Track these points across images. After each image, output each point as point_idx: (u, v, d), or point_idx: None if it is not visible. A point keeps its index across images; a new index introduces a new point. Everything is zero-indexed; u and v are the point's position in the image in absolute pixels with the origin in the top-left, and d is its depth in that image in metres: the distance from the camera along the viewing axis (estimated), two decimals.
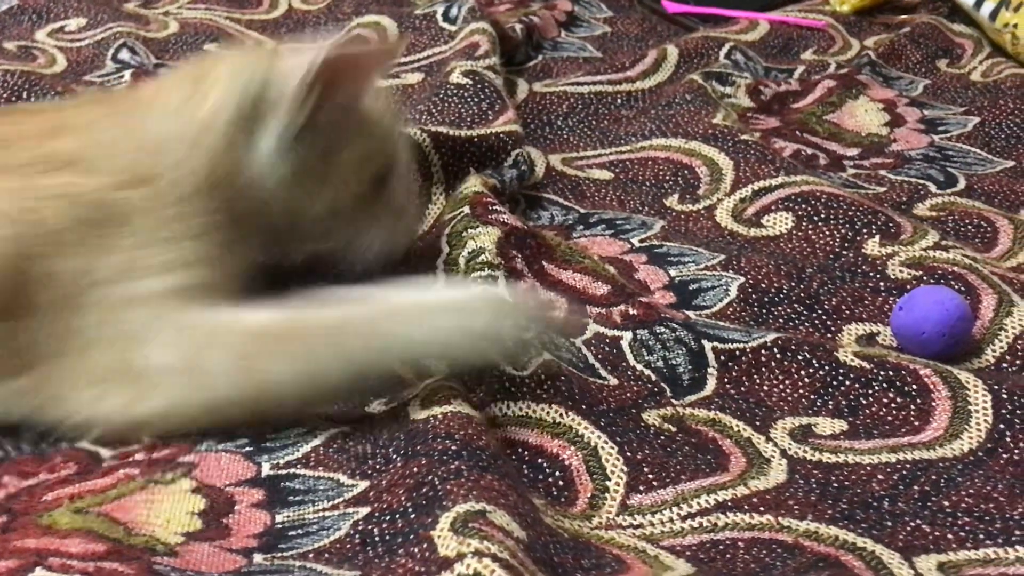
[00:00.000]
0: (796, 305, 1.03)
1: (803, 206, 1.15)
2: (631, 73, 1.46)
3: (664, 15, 1.74)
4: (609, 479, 0.83)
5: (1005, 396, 0.88)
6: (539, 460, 0.83)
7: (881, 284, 1.04)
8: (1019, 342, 0.97)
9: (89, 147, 0.89)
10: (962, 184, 1.25)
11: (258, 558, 0.72)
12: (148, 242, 0.85)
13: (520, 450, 0.84)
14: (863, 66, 1.51)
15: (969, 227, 1.15)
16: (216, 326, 0.84)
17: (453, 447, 0.77)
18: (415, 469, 0.76)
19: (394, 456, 0.80)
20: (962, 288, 1.02)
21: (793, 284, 1.04)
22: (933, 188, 1.24)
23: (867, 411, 0.89)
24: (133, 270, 0.84)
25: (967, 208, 1.19)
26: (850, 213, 1.12)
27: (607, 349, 0.96)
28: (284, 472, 0.80)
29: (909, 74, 1.55)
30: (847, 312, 1.02)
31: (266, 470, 0.80)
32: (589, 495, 0.81)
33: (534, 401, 0.87)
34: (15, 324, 0.81)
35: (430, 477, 0.75)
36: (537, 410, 0.87)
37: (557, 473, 0.83)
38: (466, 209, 1.06)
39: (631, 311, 0.99)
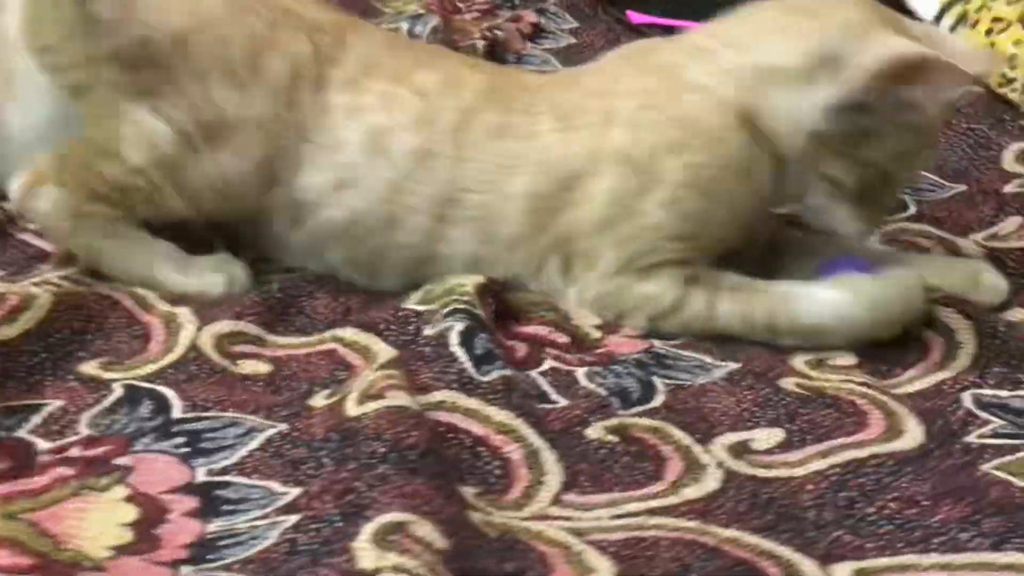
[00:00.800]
0: None
1: None
2: None
3: (629, 25, 1.76)
4: (545, 475, 0.85)
5: (936, 431, 0.92)
6: (480, 449, 0.87)
7: None
8: (960, 375, 1.00)
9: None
10: (912, 210, 1.27)
11: (186, 570, 0.73)
12: None
13: (462, 437, 0.87)
14: None
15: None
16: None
17: (382, 449, 0.80)
18: (344, 475, 0.80)
19: (326, 461, 0.83)
20: (917, 336, 1.04)
21: None
22: None
23: (804, 419, 0.94)
24: None
25: (916, 235, 1.21)
26: None
27: (562, 378, 0.99)
28: (219, 479, 0.82)
29: None
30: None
31: (201, 475, 0.83)
32: (525, 485, 0.84)
33: (486, 402, 0.91)
34: None
35: (357, 483, 0.78)
36: (488, 410, 0.90)
37: (496, 463, 0.86)
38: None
39: (587, 358, 1.03)
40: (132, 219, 1.06)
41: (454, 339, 0.96)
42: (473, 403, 0.90)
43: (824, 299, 1.03)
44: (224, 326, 1.01)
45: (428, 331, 1.00)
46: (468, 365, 0.93)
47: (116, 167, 1.03)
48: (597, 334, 1.07)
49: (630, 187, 1.04)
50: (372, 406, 0.84)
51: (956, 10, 1.58)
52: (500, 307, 1.07)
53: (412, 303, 1.04)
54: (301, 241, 1.09)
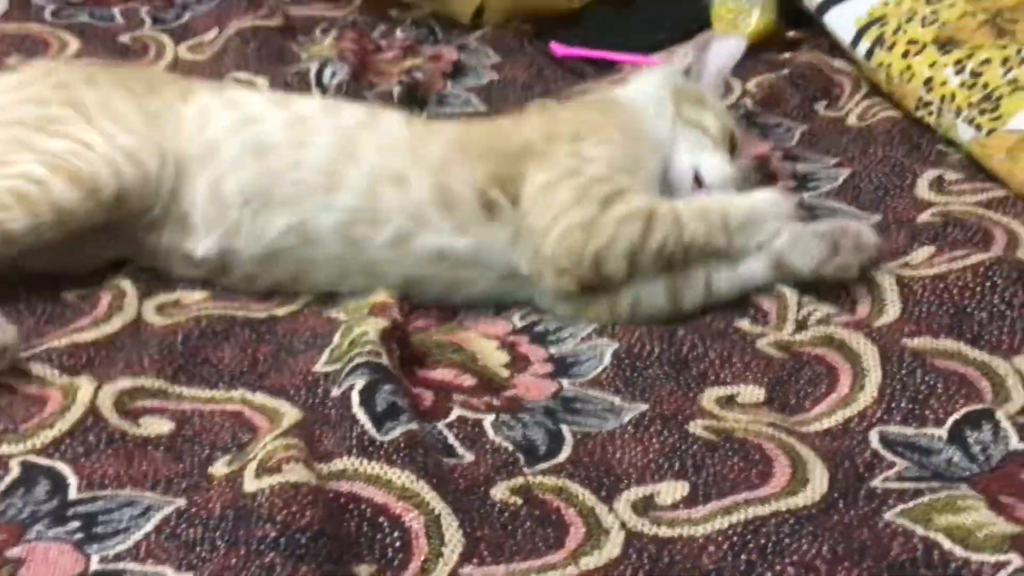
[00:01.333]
0: (666, 367, 1.07)
1: None
2: None
3: (552, 58, 1.75)
4: (445, 546, 0.84)
5: (841, 476, 0.92)
6: (380, 519, 0.86)
7: (748, 350, 1.08)
8: (868, 410, 1.01)
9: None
10: None
11: None
12: None
13: (363, 507, 0.86)
14: (740, 118, 1.52)
15: (831, 294, 1.17)
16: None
17: (272, 533, 0.79)
18: (234, 560, 0.79)
19: (219, 543, 0.82)
20: (823, 369, 1.06)
21: (665, 346, 1.08)
22: None
23: (710, 470, 0.94)
24: None
25: None
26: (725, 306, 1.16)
27: (469, 429, 0.99)
28: (112, 567, 0.81)
29: (787, 119, 1.57)
30: (712, 376, 1.06)
31: (95, 564, 0.81)
32: (422, 559, 0.83)
33: (388, 464, 0.90)
34: None
35: (243, 573, 0.76)
36: (389, 473, 0.89)
37: (396, 534, 0.85)
38: (365, 310, 1.10)
39: (495, 402, 1.03)
40: None
41: (355, 399, 0.95)
42: (375, 467, 0.89)
43: (763, 195, 1.19)
44: (124, 383, 0.99)
45: (334, 392, 0.99)
46: (369, 426, 0.92)
47: None
48: (505, 373, 1.06)
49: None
50: (268, 481, 0.83)
51: (873, 32, 1.59)
52: (405, 352, 1.06)
53: (321, 364, 1.03)
54: None
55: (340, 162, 1.16)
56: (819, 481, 0.91)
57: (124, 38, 1.74)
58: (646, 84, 1.32)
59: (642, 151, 1.22)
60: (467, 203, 1.15)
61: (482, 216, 1.15)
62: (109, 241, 1.17)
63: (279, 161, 1.16)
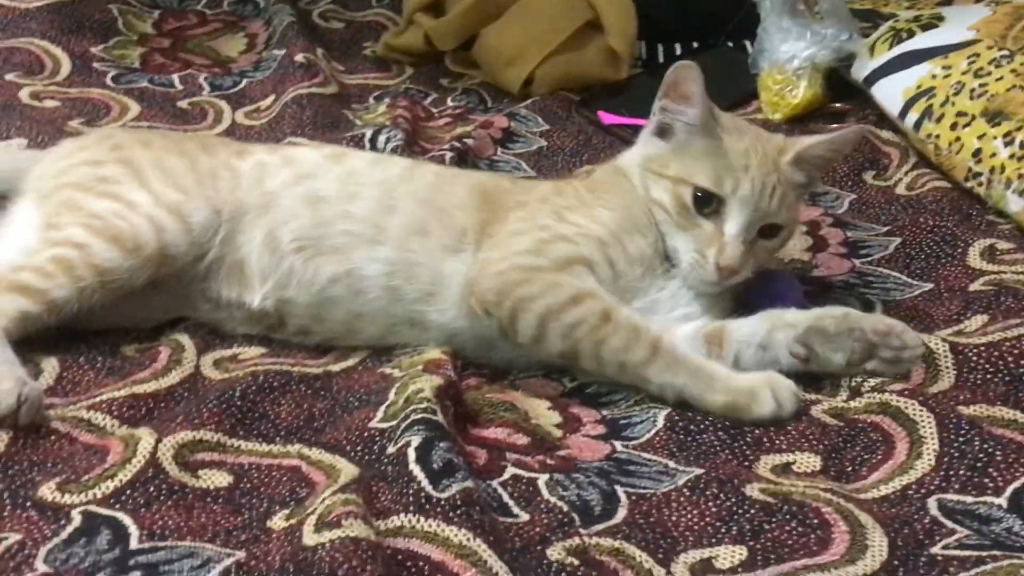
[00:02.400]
0: (720, 433, 1.06)
1: None
2: None
3: (600, 126, 1.78)
4: None
5: (901, 543, 0.91)
6: None
7: (803, 418, 1.08)
8: (926, 478, 0.99)
9: None
10: (878, 310, 1.27)
11: None
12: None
13: (421, 564, 0.86)
14: None
15: None
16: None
17: None
18: None
19: None
20: (880, 437, 1.05)
21: None
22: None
23: (768, 536, 0.93)
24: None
25: None
26: None
27: (523, 488, 0.99)
28: None
29: (836, 188, 1.58)
30: (767, 442, 1.05)
31: None
32: None
33: (445, 522, 0.89)
34: None
35: None
36: (446, 530, 0.89)
37: None
38: (420, 367, 1.11)
39: (548, 460, 1.03)
40: None
41: (411, 456, 0.95)
42: (431, 525, 0.89)
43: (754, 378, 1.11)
44: (184, 435, 1.00)
45: (390, 448, 0.99)
46: (426, 483, 0.92)
47: None
48: (558, 433, 1.07)
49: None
50: (328, 535, 0.84)
51: (921, 104, 1.61)
52: (459, 410, 1.06)
53: (377, 420, 1.04)
54: None
55: (381, 214, 1.19)
56: (879, 548, 0.90)
57: (183, 103, 1.79)
58: (631, 153, 1.28)
59: (637, 225, 1.20)
60: (453, 244, 1.18)
61: (452, 252, 1.18)
62: (167, 296, 1.20)
63: (330, 211, 1.19)
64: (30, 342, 1.14)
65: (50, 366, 1.12)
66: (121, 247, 1.13)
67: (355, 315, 1.18)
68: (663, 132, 1.22)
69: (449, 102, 1.89)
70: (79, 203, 1.18)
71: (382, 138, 1.60)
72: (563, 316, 1.11)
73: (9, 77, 1.76)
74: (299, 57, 1.87)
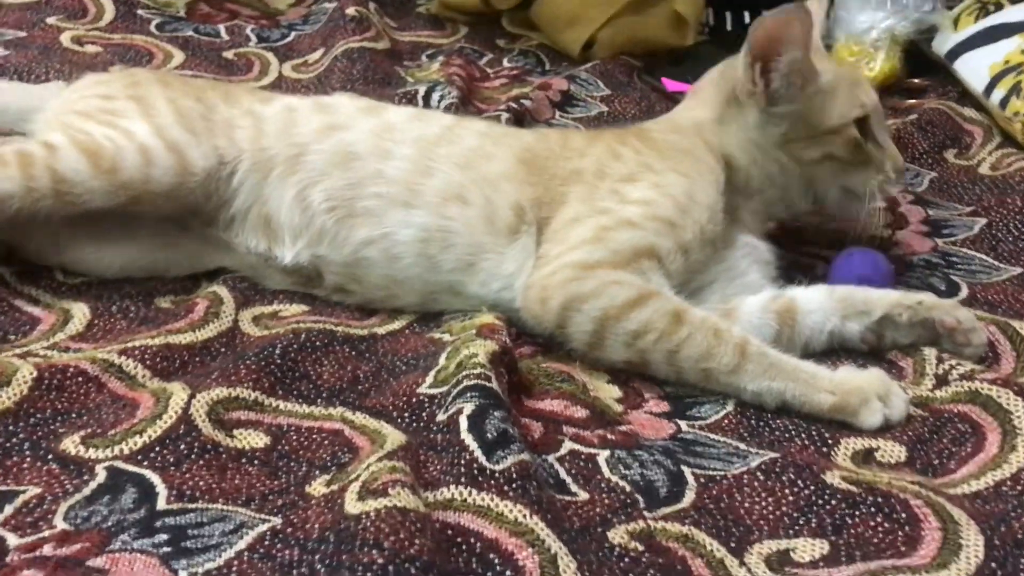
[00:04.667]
0: (795, 418, 0.99)
1: None
2: None
3: (664, 93, 1.69)
4: None
5: (998, 541, 0.83)
6: (491, 555, 0.77)
7: None
8: (1023, 473, 0.91)
9: None
10: (964, 293, 1.19)
11: None
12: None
13: (473, 540, 0.78)
14: None
15: None
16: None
17: (380, 560, 0.72)
18: None
19: (319, 567, 0.75)
20: (969, 428, 0.97)
21: None
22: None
23: (851, 531, 0.85)
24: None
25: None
26: (856, 362, 1.07)
27: (582, 464, 0.91)
28: None
29: (915, 165, 1.49)
30: (847, 430, 0.97)
31: None
32: None
33: (499, 496, 0.82)
34: None
35: None
36: (500, 505, 0.81)
37: (508, 573, 0.76)
38: (473, 332, 1.03)
39: (609, 436, 0.95)
40: None
41: (464, 424, 0.88)
42: (485, 498, 0.81)
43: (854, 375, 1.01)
44: (219, 392, 0.93)
45: (440, 416, 0.92)
46: (479, 454, 0.85)
47: None
48: (618, 408, 0.99)
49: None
50: (373, 504, 0.76)
51: (1008, 81, 1.51)
52: (512, 379, 0.99)
53: (426, 386, 0.97)
54: None
55: (417, 175, 1.10)
56: (974, 547, 0.82)
57: (228, 54, 1.72)
58: (721, 130, 1.17)
59: (712, 196, 1.10)
60: (502, 220, 1.09)
61: (506, 233, 1.08)
62: (195, 241, 1.14)
63: (363, 170, 1.11)
64: (61, 288, 1.08)
65: (80, 312, 1.06)
66: (93, 163, 1.05)
67: (392, 280, 1.10)
68: (774, 100, 1.14)
69: (505, 63, 1.81)
70: (75, 123, 1.11)
71: (436, 95, 1.52)
72: (624, 321, 1.00)
73: (51, 20, 1.70)
74: (350, 10, 1.80)
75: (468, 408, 0.89)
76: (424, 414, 0.94)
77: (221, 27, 1.80)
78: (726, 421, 0.98)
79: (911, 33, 1.68)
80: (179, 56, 1.67)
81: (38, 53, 1.58)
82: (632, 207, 1.06)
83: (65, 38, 1.65)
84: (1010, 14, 1.61)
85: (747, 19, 1.91)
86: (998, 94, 1.52)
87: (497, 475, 0.83)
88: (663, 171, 1.10)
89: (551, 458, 0.91)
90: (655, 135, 1.17)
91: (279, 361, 0.99)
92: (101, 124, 1.10)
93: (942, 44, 1.66)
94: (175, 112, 1.12)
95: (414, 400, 0.95)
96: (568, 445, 0.93)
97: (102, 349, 0.98)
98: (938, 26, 1.68)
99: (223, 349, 1.03)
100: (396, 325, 1.10)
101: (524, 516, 0.80)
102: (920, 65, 1.71)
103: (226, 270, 1.15)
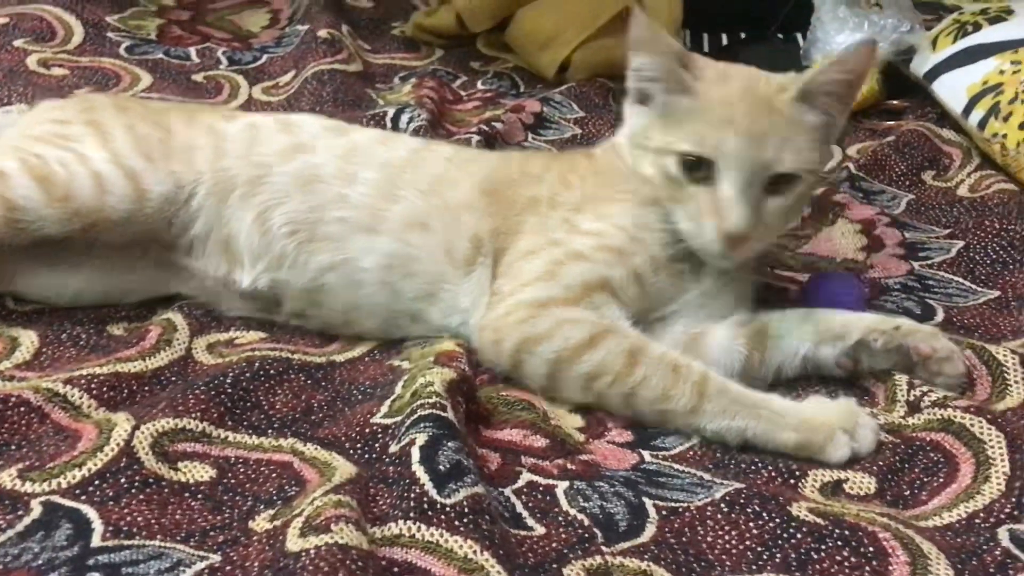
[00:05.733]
0: (762, 453, 0.95)
1: None
2: None
3: None
4: None
5: (972, 562, 0.80)
6: None
7: None
8: (995, 505, 0.88)
9: None
10: (940, 317, 1.16)
11: None
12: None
13: None
14: (842, 181, 1.42)
15: None
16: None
17: None
18: None
19: None
20: (941, 457, 0.94)
21: None
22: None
23: (817, 566, 0.82)
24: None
25: None
26: (827, 385, 1.05)
27: (539, 497, 0.88)
28: None
29: (892, 187, 1.46)
30: (816, 462, 0.94)
31: None
32: None
33: (449, 531, 0.79)
34: None
35: None
36: (450, 541, 0.78)
37: None
38: (431, 359, 1.00)
39: (569, 466, 0.92)
40: None
41: (415, 455, 0.85)
42: (434, 534, 0.78)
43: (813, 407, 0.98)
44: (165, 423, 0.90)
45: (393, 447, 0.89)
46: (430, 487, 0.82)
47: None
48: (580, 437, 0.96)
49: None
50: (314, 541, 0.73)
51: (987, 102, 1.49)
52: (471, 408, 0.96)
53: (380, 416, 0.94)
54: None
55: (382, 200, 1.07)
56: None
57: (198, 77, 1.69)
58: (623, 128, 1.11)
59: (650, 214, 1.05)
60: (460, 252, 1.06)
61: (462, 265, 1.06)
62: (153, 267, 1.10)
63: (326, 193, 1.08)
64: (11, 315, 1.05)
65: (28, 340, 1.03)
66: (45, 191, 1.03)
67: (352, 306, 1.08)
68: (643, 99, 1.07)
69: (479, 85, 1.78)
70: (28, 148, 1.08)
71: (404, 117, 1.50)
72: (578, 363, 0.97)
73: (17, 43, 1.67)
74: (323, 32, 1.78)
75: (421, 439, 0.86)
76: (377, 445, 0.91)
77: (192, 50, 1.78)
78: (691, 452, 0.95)
79: (889, 54, 1.66)
80: (147, 79, 1.65)
81: (2, 76, 1.55)
82: (582, 238, 1.04)
83: (31, 60, 1.63)
84: (988, 35, 1.59)
85: (724, 41, 1.90)
86: (976, 115, 1.50)
87: (448, 509, 0.80)
88: (609, 199, 1.07)
89: (508, 490, 0.88)
90: (600, 160, 1.13)
91: (230, 391, 0.96)
92: (55, 148, 1.07)
93: (920, 65, 1.64)
94: (131, 138, 1.09)
95: (367, 431, 0.92)
96: (526, 476, 0.90)
97: (47, 378, 0.95)
98: (916, 47, 1.66)
99: (174, 378, 1.00)
100: (356, 352, 1.07)
101: (475, 552, 0.77)
102: (898, 86, 1.69)
103: (183, 296, 1.12)
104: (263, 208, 1.07)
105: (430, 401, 0.91)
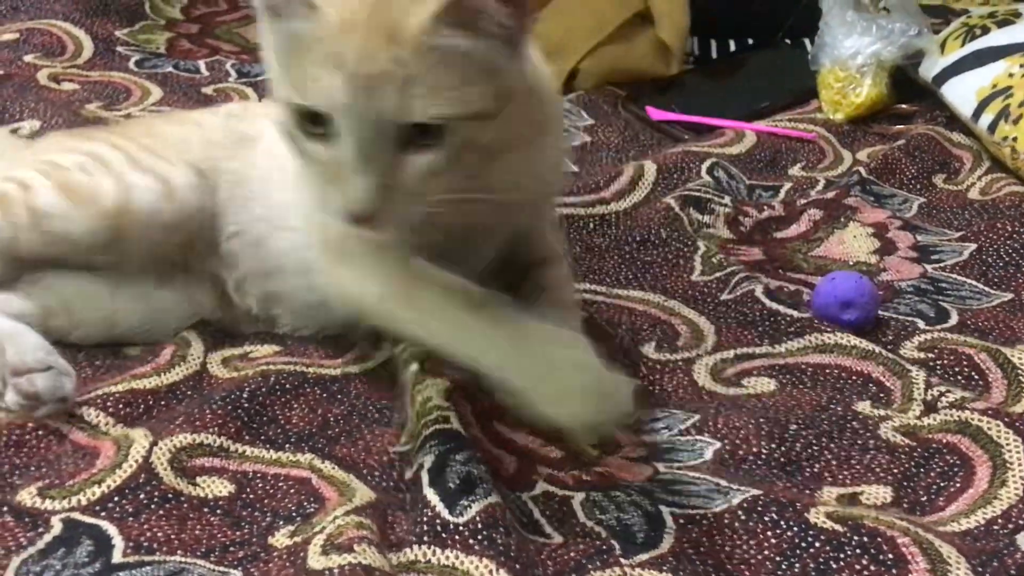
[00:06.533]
0: (775, 469, 0.95)
1: (787, 375, 1.07)
2: (605, 194, 1.37)
3: (648, 122, 1.67)
4: None
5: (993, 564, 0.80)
6: None
7: (871, 442, 0.96)
8: (1014, 510, 0.88)
9: None
10: (954, 319, 1.16)
11: None
12: None
13: None
14: (853, 185, 1.42)
15: (959, 375, 1.06)
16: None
17: None
18: None
19: None
20: (957, 460, 0.94)
21: (775, 446, 0.97)
22: (922, 324, 1.14)
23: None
24: None
25: (956, 346, 1.09)
26: (839, 383, 1.05)
27: (556, 507, 0.88)
28: None
29: (903, 191, 1.46)
30: (829, 477, 0.94)
31: None
32: None
33: (464, 551, 0.79)
34: None
35: None
36: (466, 562, 0.78)
37: None
38: (414, 367, 0.99)
39: (584, 477, 0.92)
40: None
41: (425, 479, 0.85)
42: (449, 556, 0.78)
43: None
44: (183, 438, 0.90)
45: (407, 473, 0.89)
46: (441, 508, 0.82)
47: None
48: (593, 452, 0.96)
49: None
50: (337, 560, 0.74)
51: (996, 105, 1.48)
52: (477, 406, 0.96)
53: (400, 445, 0.94)
54: None
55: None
56: None
57: (207, 89, 1.69)
58: None
59: None
60: None
61: None
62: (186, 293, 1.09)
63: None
64: None
65: None
66: (69, 197, 1.01)
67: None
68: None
69: None
70: (45, 159, 1.07)
71: None
72: None
73: (28, 58, 1.68)
74: None
75: (428, 461, 0.86)
76: (394, 473, 0.91)
77: (201, 63, 1.78)
78: (705, 465, 0.95)
79: (898, 58, 1.65)
80: (156, 92, 1.65)
81: (13, 91, 1.56)
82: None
83: (42, 75, 1.63)
84: (997, 38, 1.59)
85: (732, 47, 1.90)
86: (986, 119, 1.50)
87: (461, 528, 0.80)
88: None
89: (524, 496, 0.88)
90: None
91: (247, 405, 0.96)
92: (74, 155, 1.06)
93: (929, 69, 1.64)
94: (145, 147, 1.09)
95: (385, 459, 0.93)
96: (542, 486, 0.90)
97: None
98: (925, 51, 1.65)
99: (190, 392, 1.00)
100: (370, 364, 1.07)
101: (491, 571, 0.77)
102: (907, 90, 1.69)
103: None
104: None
105: (431, 418, 0.91)
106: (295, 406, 0.98)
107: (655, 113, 1.67)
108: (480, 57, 0.79)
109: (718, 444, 0.97)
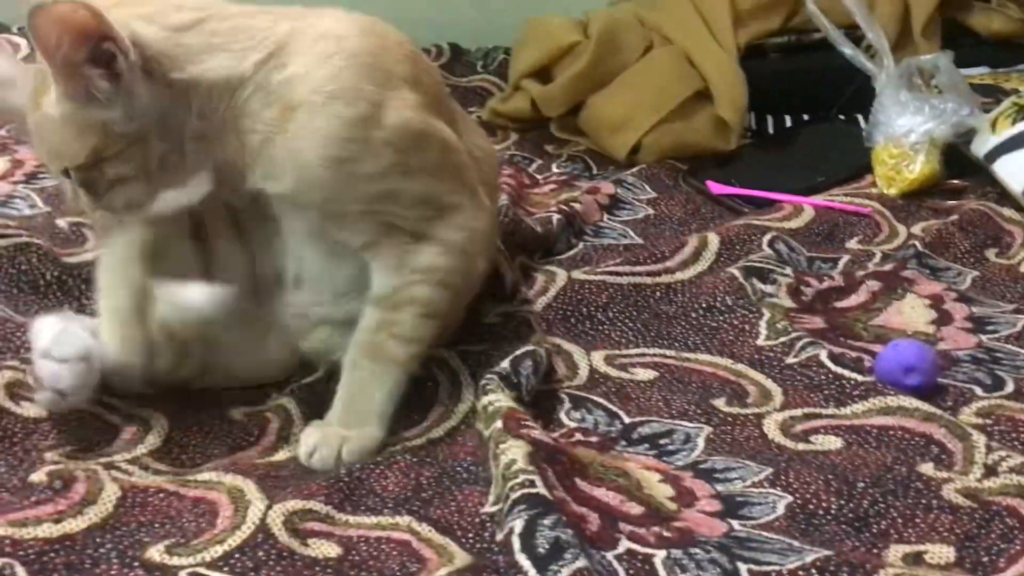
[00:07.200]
0: (844, 525, 1.00)
1: (853, 435, 1.12)
2: (670, 264, 1.45)
3: (709, 196, 1.75)
4: None
5: None
6: None
7: (934, 502, 1.02)
8: None
9: None
10: (1010, 387, 1.21)
11: None
12: None
13: None
14: (909, 258, 1.48)
15: (1016, 441, 1.11)
16: None
17: None
18: None
19: None
20: (1017, 523, 0.98)
21: (843, 502, 1.02)
22: (979, 391, 1.20)
23: None
24: None
25: (1014, 413, 1.15)
26: (902, 443, 1.10)
27: (639, 565, 0.93)
28: None
29: (957, 264, 1.52)
30: (895, 534, 0.99)
31: None
32: None
33: None
34: None
35: None
36: None
37: None
38: (499, 424, 1.06)
39: (665, 533, 0.97)
40: None
41: (516, 544, 0.90)
42: None
43: None
44: (294, 504, 0.97)
45: (499, 535, 0.95)
46: (533, 573, 0.87)
47: None
48: (672, 506, 1.02)
49: None
50: None
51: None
52: (557, 467, 1.02)
53: (489, 506, 1.00)
54: None
55: None
56: None
57: None
58: None
59: None
60: None
61: None
62: None
63: None
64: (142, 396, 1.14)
65: (159, 425, 1.11)
66: None
67: None
68: None
69: (554, 168, 1.87)
70: None
71: None
72: None
73: None
74: None
75: (518, 526, 0.92)
76: (487, 535, 0.97)
77: None
78: (777, 523, 1.00)
79: (949, 136, 1.72)
80: None
81: None
82: None
83: None
84: None
85: (788, 123, 1.97)
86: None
87: None
88: None
89: (609, 555, 0.94)
90: None
91: (346, 479, 1.03)
92: None
93: (980, 146, 1.70)
94: None
95: (477, 520, 0.99)
96: (624, 544, 0.96)
97: (178, 477, 1.03)
98: (976, 129, 1.72)
99: (293, 465, 1.08)
100: (451, 422, 1.13)
101: None
102: (958, 166, 1.75)
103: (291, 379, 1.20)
104: None
105: (518, 481, 0.96)
106: (389, 475, 1.05)
107: (715, 187, 1.74)
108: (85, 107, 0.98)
109: (790, 498, 1.03)
